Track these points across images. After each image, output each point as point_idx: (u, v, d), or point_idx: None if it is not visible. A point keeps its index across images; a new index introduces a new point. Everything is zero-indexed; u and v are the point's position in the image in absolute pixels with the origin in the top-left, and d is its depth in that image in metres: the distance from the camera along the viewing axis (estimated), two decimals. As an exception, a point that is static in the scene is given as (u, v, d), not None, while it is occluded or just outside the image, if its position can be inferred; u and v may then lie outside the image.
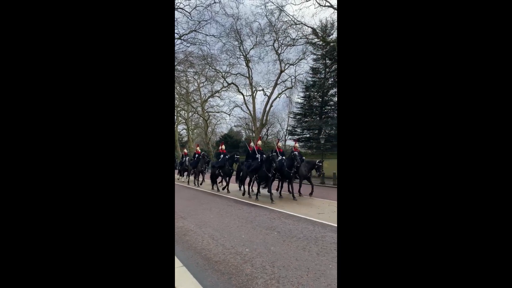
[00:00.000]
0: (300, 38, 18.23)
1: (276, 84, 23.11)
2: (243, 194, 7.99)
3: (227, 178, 8.93)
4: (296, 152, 7.48)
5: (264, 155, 7.57)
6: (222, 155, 9.52)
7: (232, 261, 2.95)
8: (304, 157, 8.04)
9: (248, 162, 7.97)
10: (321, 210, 5.74)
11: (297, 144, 8.40)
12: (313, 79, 23.34)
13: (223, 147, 10.32)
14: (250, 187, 8.00)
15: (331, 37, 20.18)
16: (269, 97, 23.52)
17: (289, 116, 27.11)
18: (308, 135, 23.25)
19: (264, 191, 7.54)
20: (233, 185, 9.40)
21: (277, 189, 8.09)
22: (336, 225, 4.42)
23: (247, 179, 8.13)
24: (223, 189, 8.98)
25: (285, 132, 28.17)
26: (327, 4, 15.56)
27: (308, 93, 23.44)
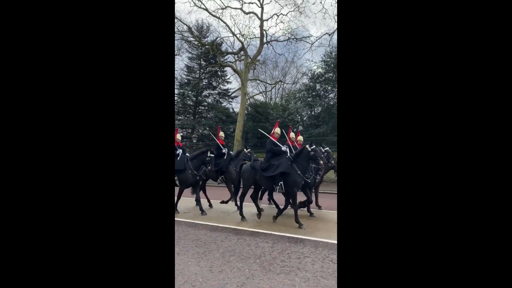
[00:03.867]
0: (176, 33, 17.54)
1: (146, 76, 20.99)
2: (263, 216, 4.69)
3: (196, 190, 5.34)
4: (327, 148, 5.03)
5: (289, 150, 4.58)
6: (180, 152, 5.41)
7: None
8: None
9: (255, 161, 4.87)
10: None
11: (300, 137, 5.56)
12: (188, 77, 23.11)
13: (179, 137, 5.82)
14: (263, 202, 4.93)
15: (206, 39, 20.71)
16: (137, 90, 21.03)
17: (161, 113, 25.40)
18: (181, 134, 22.73)
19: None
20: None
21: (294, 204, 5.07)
22: (201, 223, 4.57)
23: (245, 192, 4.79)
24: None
25: (156, 130, 26.17)
26: (203, 6, 15.85)
27: (182, 90, 22.93)
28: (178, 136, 5.80)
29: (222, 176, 5.85)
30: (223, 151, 5.91)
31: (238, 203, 4.88)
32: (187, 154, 5.44)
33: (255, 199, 4.87)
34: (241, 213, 4.73)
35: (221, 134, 6.45)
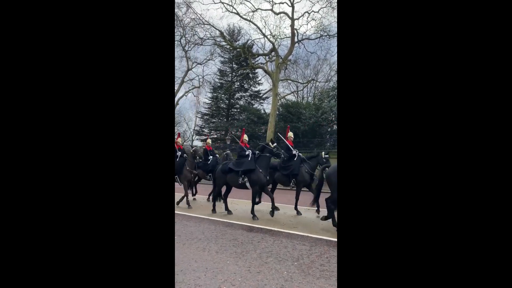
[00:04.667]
0: (208, 39, 18.22)
1: (182, 82, 22.17)
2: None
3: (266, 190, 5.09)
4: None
5: None
6: (249, 152, 5.34)
7: (122, 276, 2.62)
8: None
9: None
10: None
11: None
12: (221, 81, 23.82)
13: (246, 138, 5.99)
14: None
15: (237, 42, 21.14)
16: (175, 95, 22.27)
17: (196, 116, 26.60)
18: (215, 136, 23.49)
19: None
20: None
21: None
22: (237, 223, 4.65)
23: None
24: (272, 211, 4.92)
25: (192, 132, 27.43)
26: (234, 11, 16.22)
27: (215, 94, 23.73)
28: (246, 137, 5.94)
29: (294, 179, 5.41)
30: (294, 152, 5.45)
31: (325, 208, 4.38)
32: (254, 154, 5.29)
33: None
34: (333, 219, 4.24)
35: (290, 134, 5.93)
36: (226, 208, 5.46)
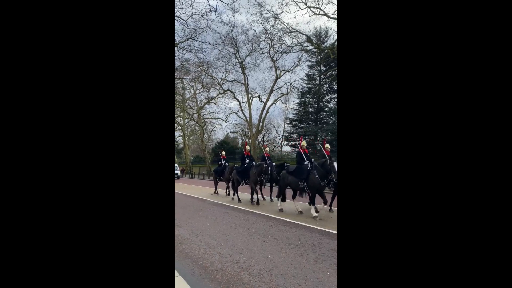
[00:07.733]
0: (295, 45, 18.50)
1: (272, 91, 23.30)
2: None
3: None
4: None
5: None
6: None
7: (229, 269, 2.91)
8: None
9: None
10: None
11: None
12: (309, 85, 23.62)
13: (305, 143, 6.82)
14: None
15: (325, 44, 20.50)
16: (265, 104, 23.66)
17: (285, 122, 27.30)
18: (306, 140, 23.35)
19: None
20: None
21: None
22: (334, 232, 4.40)
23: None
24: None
25: (281, 138, 28.29)
26: (321, 12, 15.88)
27: (303, 99, 23.67)
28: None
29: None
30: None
31: None
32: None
33: None
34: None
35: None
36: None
